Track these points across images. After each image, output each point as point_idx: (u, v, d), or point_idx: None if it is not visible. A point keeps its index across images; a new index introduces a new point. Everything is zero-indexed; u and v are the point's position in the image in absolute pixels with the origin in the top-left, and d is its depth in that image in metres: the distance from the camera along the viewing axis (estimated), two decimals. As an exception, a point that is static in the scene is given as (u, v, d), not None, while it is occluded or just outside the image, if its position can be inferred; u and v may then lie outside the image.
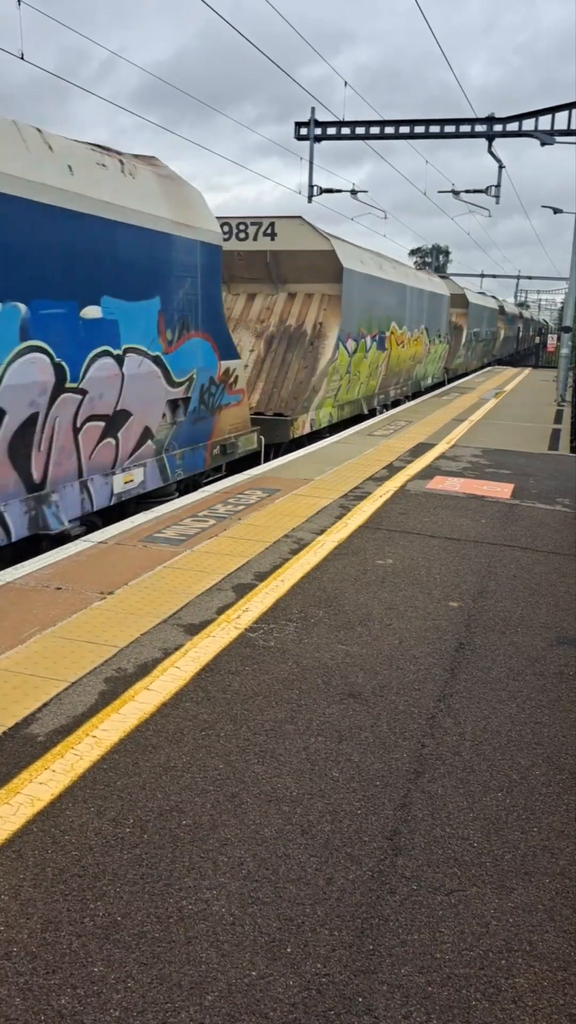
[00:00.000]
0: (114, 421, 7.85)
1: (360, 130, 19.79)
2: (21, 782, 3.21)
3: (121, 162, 7.79)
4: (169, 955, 2.42)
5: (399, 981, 2.36)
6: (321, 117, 20.84)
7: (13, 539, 6.49)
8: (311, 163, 20.35)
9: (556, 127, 18.11)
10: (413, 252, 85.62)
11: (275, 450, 12.82)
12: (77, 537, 7.12)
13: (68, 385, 7.00)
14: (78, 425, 7.28)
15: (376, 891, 2.73)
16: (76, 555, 6.17)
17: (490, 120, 18.78)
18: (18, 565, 5.90)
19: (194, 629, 4.82)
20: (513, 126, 18.69)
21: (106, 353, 7.51)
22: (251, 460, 11.53)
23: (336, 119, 19.81)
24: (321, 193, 21.56)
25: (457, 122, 19.19)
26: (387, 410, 19.09)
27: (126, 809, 3.09)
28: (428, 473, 10.21)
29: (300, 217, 14.06)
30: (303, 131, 20.03)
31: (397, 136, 19.63)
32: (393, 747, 3.62)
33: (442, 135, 19.29)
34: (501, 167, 20.77)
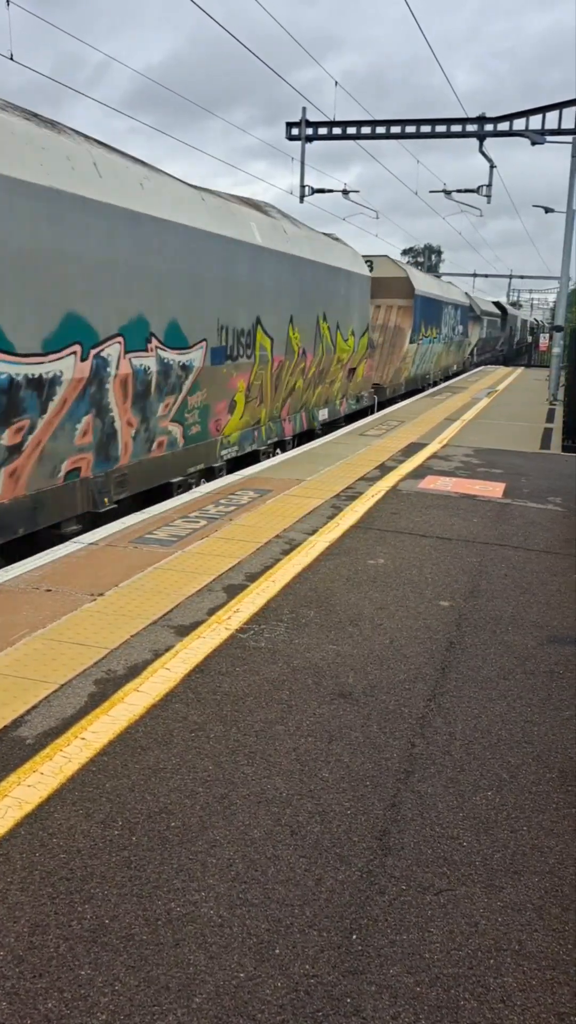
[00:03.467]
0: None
1: (351, 130, 19.78)
2: (9, 785, 3.20)
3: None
4: (157, 958, 2.41)
5: (388, 981, 2.36)
6: (312, 118, 20.81)
7: None
8: (303, 163, 20.34)
9: (546, 127, 18.14)
10: (405, 252, 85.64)
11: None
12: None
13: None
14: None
15: (365, 891, 2.72)
16: (66, 557, 6.16)
17: (481, 120, 18.79)
18: (8, 567, 5.88)
19: (184, 630, 4.81)
20: (504, 126, 18.70)
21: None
22: (251, 459, 11.75)
23: (327, 119, 19.80)
24: (313, 193, 21.55)
25: (448, 122, 19.19)
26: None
27: (115, 811, 3.07)
28: (420, 473, 10.22)
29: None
30: (294, 131, 20.00)
31: (388, 136, 19.62)
32: (383, 747, 3.62)
33: (433, 135, 19.30)
34: (492, 167, 20.80)
